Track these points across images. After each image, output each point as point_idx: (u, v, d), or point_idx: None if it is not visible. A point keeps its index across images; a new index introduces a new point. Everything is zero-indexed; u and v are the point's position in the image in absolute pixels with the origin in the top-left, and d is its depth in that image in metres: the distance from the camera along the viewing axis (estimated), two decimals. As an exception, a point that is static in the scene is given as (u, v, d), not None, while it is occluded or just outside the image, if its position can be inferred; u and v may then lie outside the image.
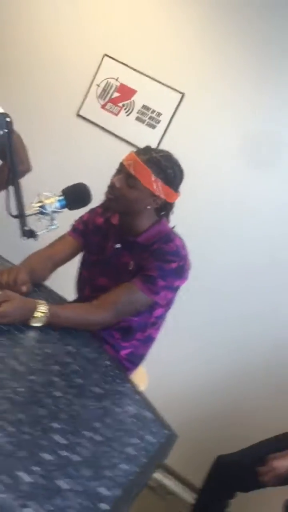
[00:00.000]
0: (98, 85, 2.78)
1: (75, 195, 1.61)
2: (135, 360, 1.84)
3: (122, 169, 1.67)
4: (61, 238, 1.90)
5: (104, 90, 2.77)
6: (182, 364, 2.78)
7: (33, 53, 2.91)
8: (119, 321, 1.71)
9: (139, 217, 1.72)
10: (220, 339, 2.72)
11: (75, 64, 2.83)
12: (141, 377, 2.02)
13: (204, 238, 2.67)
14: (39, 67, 2.91)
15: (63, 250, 1.88)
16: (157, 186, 1.64)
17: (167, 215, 1.79)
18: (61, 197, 1.59)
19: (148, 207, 1.68)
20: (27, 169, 2.32)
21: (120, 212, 1.75)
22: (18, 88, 2.95)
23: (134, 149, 1.71)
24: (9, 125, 1.48)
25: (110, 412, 1.25)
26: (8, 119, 1.47)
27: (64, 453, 1.05)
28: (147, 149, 1.70)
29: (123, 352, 1.79)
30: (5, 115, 1.48)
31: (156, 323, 1.81)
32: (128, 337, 1.78)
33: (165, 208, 1.74)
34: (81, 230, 1.90)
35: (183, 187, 1.74)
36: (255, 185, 2.60)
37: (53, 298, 1.80)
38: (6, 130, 1.48)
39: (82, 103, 2.83)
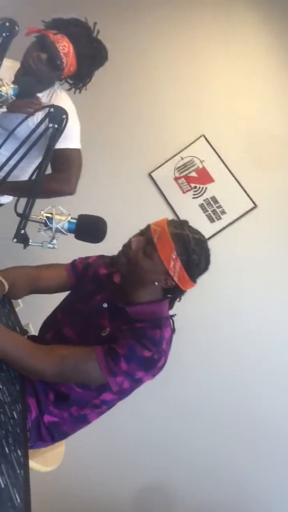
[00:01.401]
0: (182, 158, 2.69)
1: (89, 227, 1.42)
2: (56, 434, 1.54)
3: (146, 232, 1.47)
4: (56, 266, 1.70)
5: (185, 165, 2.68)
6: (102, 463, 2.41)
7: (141, 103, 2.90)
8: (59, 383, 1.45)
9: (142, 289, 1.49)
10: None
11: (173, 129, 2.78)
12: (55, 456, 1.71)
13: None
14: (140, 116, 2.88)
15: (51, 280, 1.67)
16: (174, 266, 1.42)
17: (172, 301, 1.56)
18: (74, 220, 1.40)
19: (156, 283, 1.46)
20: (70, 192, 2.18)
21: (124, 275, 1.53)
22: (114, 126, 2.92)
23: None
24: (61, 122, 1.35)
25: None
26: (64, 116, 1.34)
27: None
28: (182, 223, 1.50)
29: (47, 418, 1.50)
30: (63, 111, 1.35)
31: (99, 407, 1.52)
32: (61, 405, 1.50)
33: (173, 292, 1.51)
34: (79, 270, 1.70)
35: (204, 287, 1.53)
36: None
37: (11, 322, 1.57)
38: (56, 126, 1.35)
39: (159, 166, 2.74)
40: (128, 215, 2.63)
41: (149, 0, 3.06)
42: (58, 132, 1.36)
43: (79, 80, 2.19)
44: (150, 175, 2.75)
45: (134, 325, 1.41)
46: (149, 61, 2.88)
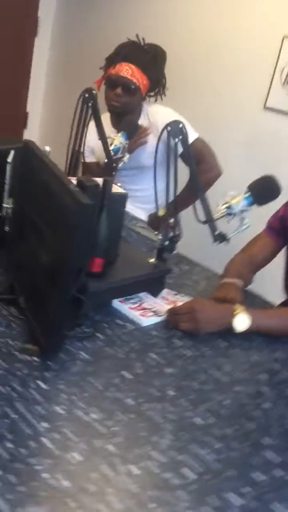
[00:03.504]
0: (282, 71, 2.60)
1: (262, 190, 1.49)
2: None
3: None
4: (258, 238, 1.78)
5: (289, 74, 2.59)
6: None
7: (212, 54, 2.89)
8: None
9: None
10: None
11: (253, 56, 2.71)
12: None
13: None
14: (218, 67, 2.87)
15: (262, 252, 1.75)
16: None
17: None
18: (248, 194, 1.49)
19: None
20: (217, 175, 2.28)
21: None
22: (201, 90, 2.95)
23: None
24: (182, 131, 1.46)
25: None
26: (180, 125, 1.45)
27: (278, 472, 0.95)
28: None
29: None
30: (177, 122, 1.46)
31: None
32: None
33: None
34: (277, 229, 1.75)
35: None
36: None
37: (260, 304, 1.68)
38: (180, 137, 1.46)
39: (268, 94, 2.68)
40: (275, 156, 2.63)
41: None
42: (185, 141, 1.47)
43: (157, 86, 2.31)
44: (266, 107, 2.70)
45: None
46: None
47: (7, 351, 1.13)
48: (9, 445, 0.87)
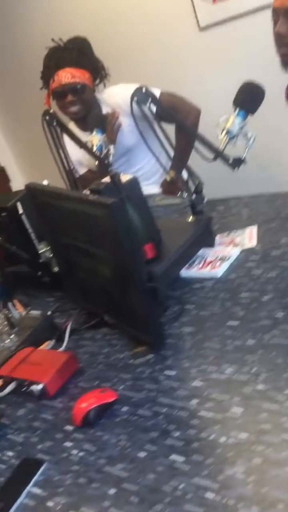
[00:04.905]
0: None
1: (248, 98, 1.48)
2: None
3: (277, 13, 1.37)
4: None
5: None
6: None
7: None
8: None
9: None
10: None
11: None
12: None
13: None
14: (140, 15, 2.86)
15: None
16: None
17: None
18: (237, 110, 1.49)
19: None
20: (197, 113, 2.26)
21: None
22: (136, 47, 2.95)
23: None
24: (149, 95, 1.47)
25: None
26: (143, 90, 1.46)
27: None
28: None
29: None
30: (139, 89, 1.47)
31: None
32: None
33: None
34: None
35: None
36: None
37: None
38: (150, 100, 1.47)
39: (196, 16, 2.64)
40: (235, 66, 2.59)
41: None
42: (156, 101, 1.48)
43: (98, 73, 2.32)
44: (202, 28, 2.67)
45: None
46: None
47: (123, 364, 1.18)
48: (176, 434, 0.92)
